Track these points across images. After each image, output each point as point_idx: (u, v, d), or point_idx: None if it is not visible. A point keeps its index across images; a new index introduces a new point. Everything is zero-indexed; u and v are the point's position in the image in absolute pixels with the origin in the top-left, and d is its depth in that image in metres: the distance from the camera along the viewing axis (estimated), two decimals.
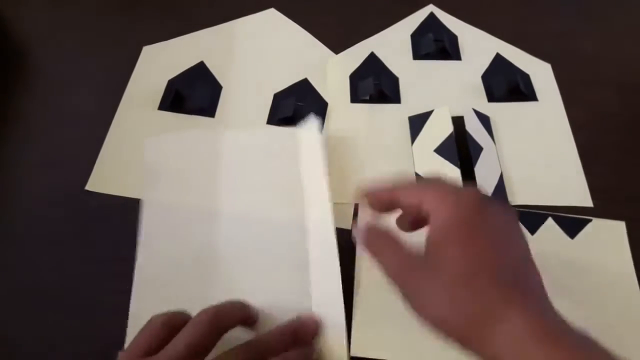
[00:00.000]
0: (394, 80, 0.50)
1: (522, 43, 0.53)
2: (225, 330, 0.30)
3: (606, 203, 0.42)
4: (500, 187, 0.42)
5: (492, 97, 0.48)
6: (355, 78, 0.49)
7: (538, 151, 0.45)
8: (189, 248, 0.37)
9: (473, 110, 0.46)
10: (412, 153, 0.44)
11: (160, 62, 0.50)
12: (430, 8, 0.56)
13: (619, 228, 0.40)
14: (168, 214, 0.39)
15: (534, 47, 0.52)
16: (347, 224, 0.40)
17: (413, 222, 0.32)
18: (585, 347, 0.25)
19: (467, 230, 0.28)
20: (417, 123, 0.46)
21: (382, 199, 0.31)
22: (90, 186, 0.42)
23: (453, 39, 0.53)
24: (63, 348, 0.32)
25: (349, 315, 0.36)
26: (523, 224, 0.40)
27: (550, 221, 0.40)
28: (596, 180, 0.43)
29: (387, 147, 0.45)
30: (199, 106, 0.47)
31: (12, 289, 0.37)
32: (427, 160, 0.43)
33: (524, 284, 0.27)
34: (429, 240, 0.29)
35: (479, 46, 0.53)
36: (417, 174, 0.43)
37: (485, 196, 0.30)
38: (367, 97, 0.48)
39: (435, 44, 0.51)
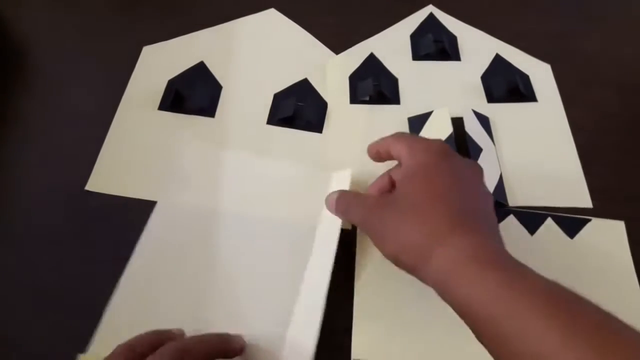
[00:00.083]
0: (393, 81, 0.49)
1: (522, 43, 0.53)
2: None
3: (606, 203, 0.42)
4: (500, 187, 0.42)
5: (491, 98, 0.48)
6: (355, 79, 0.49)
7: (537, 152, 0.45)
8: (185, 265, 0.37)
9: (472, 111, 0.46)
10: None
11: (160, 62, 0.50)
12: (430, 8, 0.56)
13: (618, 228, 0.40)
14: (173, 219, 0.39)
15: (534, 48, 0.52)
16: (346, 225, 0.40)
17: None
18: (523, 271, 0.26)
19: (432, 170, 0.31)
20: (416, 124, 0.46)
21: (372, 150, 0.37)
22: (90, 186, 0.42)
23: (452, 39, 0.53)
24: (63, 348, 0.32)
25: (349, 316, 0.36)
26: (523, 224, 0.40)
27: (549, 221, 0.40)
28: (596, 181, 0.43)
29: None
30: (199, 106, 0.47)
31: (12, 289, 0.37)
32: None
33: (474, 219, 0.29)
34: (398, 180, 0.33)
35: (478, 47, 0.53)
36: None
37: (452, 149, 0.33)
38: (367, 98, 0.48)
39: (434, 45, 0.51)
